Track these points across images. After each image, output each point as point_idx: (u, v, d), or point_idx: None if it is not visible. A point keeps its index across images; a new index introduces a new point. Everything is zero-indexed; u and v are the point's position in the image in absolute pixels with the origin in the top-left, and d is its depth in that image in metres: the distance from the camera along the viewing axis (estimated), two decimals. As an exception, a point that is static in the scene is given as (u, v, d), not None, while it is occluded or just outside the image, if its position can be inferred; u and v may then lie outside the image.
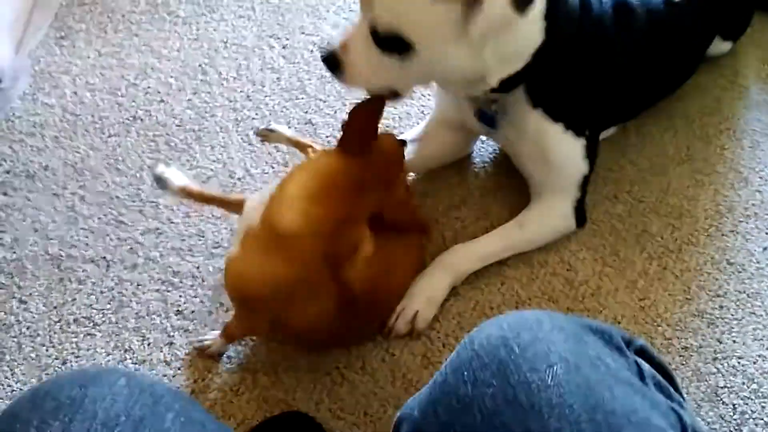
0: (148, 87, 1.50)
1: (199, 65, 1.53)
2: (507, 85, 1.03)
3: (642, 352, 0.67)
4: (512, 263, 1.19)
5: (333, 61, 1.01)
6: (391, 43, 0.95)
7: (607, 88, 1.14)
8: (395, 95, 1.06)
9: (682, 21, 1.20)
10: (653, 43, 1.16)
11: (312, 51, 1.55)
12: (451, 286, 1.15)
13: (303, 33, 1.59)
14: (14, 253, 1.24)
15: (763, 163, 1.32)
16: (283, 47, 1.56)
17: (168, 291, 1.18)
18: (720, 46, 1.41)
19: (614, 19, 1.09)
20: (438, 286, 1.14)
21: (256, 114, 1.44)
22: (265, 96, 1.47)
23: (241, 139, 1.40)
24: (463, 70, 0.99)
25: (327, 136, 1.40)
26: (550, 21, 0.98)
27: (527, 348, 0.54)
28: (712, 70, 1.44)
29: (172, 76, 1.51)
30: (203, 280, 1.20)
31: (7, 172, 1.37)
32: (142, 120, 1.44)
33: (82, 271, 1.21)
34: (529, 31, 0.98)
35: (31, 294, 1.19)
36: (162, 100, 1.47)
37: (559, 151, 1.14)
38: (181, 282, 1.19)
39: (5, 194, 1.33)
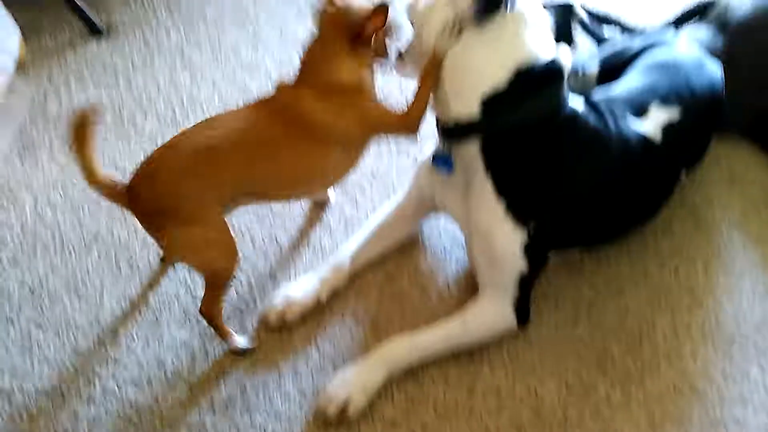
0: (111, 204, 1.49)
1: (164, 182, 1.54)
2: (464, 129, 1.16)
3: None
4: (479, 391, 1.19)
5: None
6: None
7: (563, 193, 1.18)
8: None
9: (657, 162, 1.27)
10: (628, 175, 1.23)
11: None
12: (386, 378, 1.17)
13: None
14: (-38, 385, 1.19)
15: (715, 285, 1.36)
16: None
17: (126, 428, 1.14)
18: (682, 179, 1.48)
19: (601, 146, 1.19)
20: (373, 377, 1.16)
21: (221, 232, 1.44)
22: (232, 216, 1.48)
23: (205, 259, 1.39)
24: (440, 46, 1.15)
25: (291, 255, 1.40)
26: (520, 79, 1.12)
27: None
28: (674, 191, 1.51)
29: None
30: (162, 413, 1.16)
31: (-40, 295, 1.33)
32: (104, 240, 1.43)
33: (35, 407, 1.16)
34: (494, 64, 1.12)
35: (-22, 432, 1.14)
36: (125, 219, 1.46)
37: (497, 234, 1.17)
38: (139, 418, 1.15)
39: (-44, 319, 1.29)
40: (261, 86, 1.76)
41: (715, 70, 1.41)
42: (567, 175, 1.18)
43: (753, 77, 1.57)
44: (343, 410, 1.13)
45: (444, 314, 1.27)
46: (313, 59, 1.19)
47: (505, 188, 1.16)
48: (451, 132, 1.20)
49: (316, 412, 1.15)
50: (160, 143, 1.60)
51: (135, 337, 1.27)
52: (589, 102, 1.22)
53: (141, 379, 1.21)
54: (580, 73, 1.52)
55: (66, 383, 1.20)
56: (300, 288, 1.29)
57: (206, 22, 1.97)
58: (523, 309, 1.22)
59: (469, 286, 1.31)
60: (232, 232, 1.15)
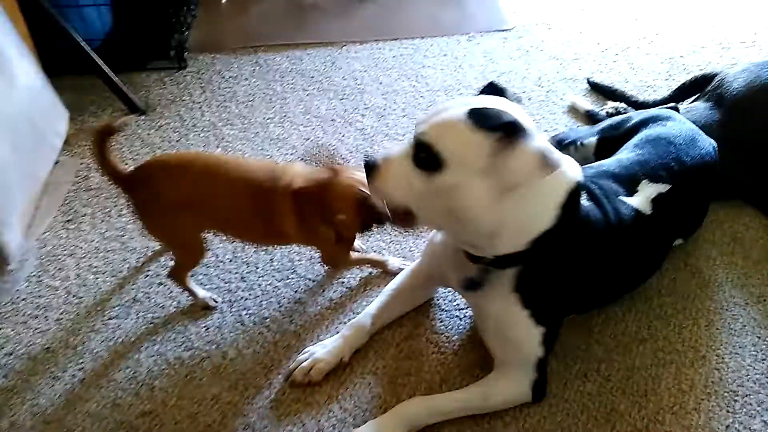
0: (149, 270, 1.61)
1: (197, 249, 1.66)
2: (506, 261, 1.17)
3: None
4: (492, 445, 1.25)
5: (371, 166, 1.18)
6: (427, 160, 1.10)
7: (579, 286, 1.28)
8: (410, 218, 1.18)
9: (648, 231, 1.36)
10: (624, 247, 1.31)
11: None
12: None
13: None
14: (11, 438, 1.29)
15: (718, 341, 1.43)
16: (276, 231, 1.70)
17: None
18: (676, 242, 1.57)
19: (599, 231, 1.25)
20: None
21: (249, 294, 1.55)
22: (259, 277, 1.59)
23: (234, 319, 1.49)
24: (479, 214, 1.10)
25: (314, 315, 1.50)
26: (565, 212, 1.14)
27: None
28: (668, 254, 1.59)
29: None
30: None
31: (9, 354, 1.43)
32: (141, 302, 1.54)
33: None
34: (545, 207, 1.13)
35: (25, 482, 1.22)
36: (161, 283, 1.57)
37: (518, 334, 1.25)
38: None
39: (5, 377, 1.39)
40: (288, 159, 1.90)
41: (706, 145, 1.50)
42: (585, 273, 1.27)
43: (749, 146, 1.68)
44: None
45: (457, 369, 1.35)
46: (310, 189, 1.33)
47: (532, 302, 1.23)
48: (490, 262, 1.21)
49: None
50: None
51: (169, 392, 1.35)
52: (582, 186, 1.26)
53: (175, 432, 1.29)
54: (579, 144, 1.63)
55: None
56: (325, 348, 1.38)
57: (237, 101, 2.13)
58: (540, 388, 1.30)
59: (481, 344, 1.39)
60: (203, 244, 1.43)
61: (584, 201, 1.24)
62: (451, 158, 1.08)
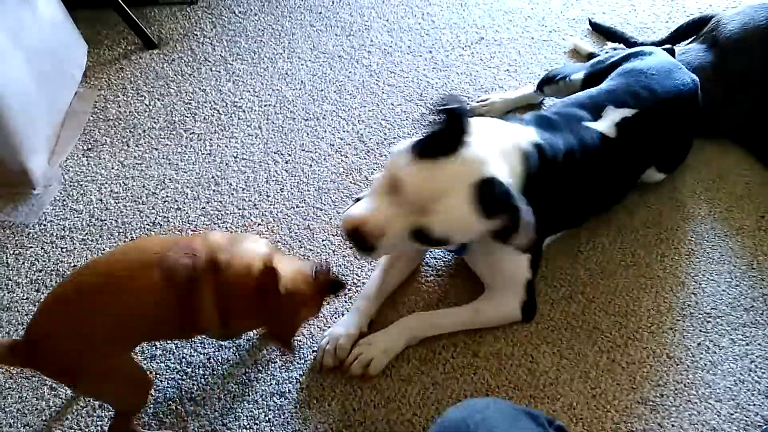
0: (167, 196, 1.72)
1: (212, 177, 1.76)
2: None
3: (560, 429, 0.88)
4: (483, 355, 1.38)
5: (363, 244, 1.16)
6: (426, 239, 1.16)
7: (555, 209, 1.37)
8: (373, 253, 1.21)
9: (614, 153, 1.44)
10: (591, 171, 1.41)
11: (311, 166, 1.78)
12: (406, 344, 1.38)
13: (303, 150, 1.83)
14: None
15: (697, 269, 1.54)
16: (286, 162, 1.80)
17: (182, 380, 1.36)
18: (655, 176, 1.65)
19: (562, 160, 1.34)
20: (395, 343, 1.37)
21: (262, 221, 1.65)
22: (270, 205, 1.69)
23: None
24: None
25: (323, 240, 1.61)
26: (530, 173, 1.26)
27: (478, 425, 0.73)
28: (654, 188, 1.68)
29: (188, 187, 1.73)
30: (213, 370, 1.37)
31: (40, 271, 1.55)
32: (161, 225, 1.65)
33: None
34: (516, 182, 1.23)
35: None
36: (179, 208, 1.68)
37: (508, 264, 1.37)
38: (193, 371, 1.37)
39: (37, 291, 1.51)
40: (296, 94, 1.98)
41: (685, 78, 1.56)
42: (561, 197, 1.36)
43: (740, 86, 1.75)
44: (366, 368, 1.33)
45: (453, 289, 1.47)
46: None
47: None
48: None
49: (343, 367, 1.34)
50: (207, 144, 1.83)
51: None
52: (548, 118, 1.39)
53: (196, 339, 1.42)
54: (568, 80, 1.70)
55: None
56: (344, 326, 1.39)
57: (247, 36, 2.20)
58: (530, 308, 1.41)
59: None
60: (138, 367, 1.18)
61: (545, 133, 1.33)
62: (453, 237, 1.18)
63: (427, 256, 1.56)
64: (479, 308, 1.41)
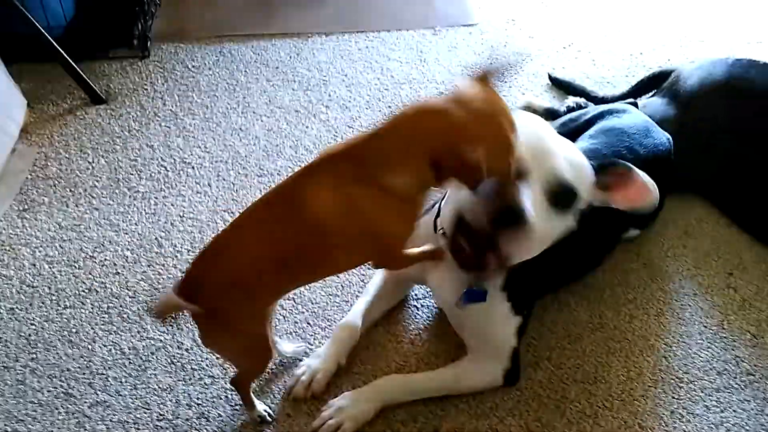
0: (105, 259, 1.60)
1: (155, 238, 1.65)
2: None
3: None
4: (445, 431, 1.27)
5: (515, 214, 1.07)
6: (562, 197, 1.14)
7: (543, 273, 1.30)
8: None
9: (600, 216, 1.37)
10: (577, 233, 1.32)
11: (261, 225, 1.68)
12: (378, 409, 1.28)
13: (254, 208, 1.73)
14: (-41, 428, 1.27)
15: (667, 330, 1.47)
16: (235, 222, 1.70)
17: (112, 466, 1.22)
18: (631, 233, 1.61)
19: None
20: (367, 408, 1.27)
21: (207, 285, 1.54)
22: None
23: (192, 309, 1.49)
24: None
25: (282, 308, 1.50)
26: None
27: None
28: (620, 245, 1.62)
29: (128, 249, 1.62)
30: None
31: (-40, 344, 1.42)
32: (97, 292, 1.52)
33: (28, 447, 1.24)
34: None
35: (-27, 472, 1.20)
36: (117, 272, 1.56)
37: (497, 327, 1.30)
38: None
39: (-44, 366, 1.37)
40: (250, 150, 1.90)
41: (661, 137, 1.54)
42: (552, 260, 1.26)
43: (705, 143, 1.72)
44: None
45: (414, 357, 1.37)
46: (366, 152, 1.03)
47: (512, 294, 1.28)
48: None
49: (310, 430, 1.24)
50: (152, 203, 1.73)
51: (123, 381, 1.35)
52: None
53: (128, 421, 1.28)
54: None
55: (57, 427, 1.28)
56: (320, 357, 1.35)
57: (199, 90, 2.12)
58: (512, 376, 1.33)
59: (440, 333, 1.41)
60: (270, 339, 1.17)
61: None
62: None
63: (410, 312, 1.46)
64: (460, 375, 1.32)
